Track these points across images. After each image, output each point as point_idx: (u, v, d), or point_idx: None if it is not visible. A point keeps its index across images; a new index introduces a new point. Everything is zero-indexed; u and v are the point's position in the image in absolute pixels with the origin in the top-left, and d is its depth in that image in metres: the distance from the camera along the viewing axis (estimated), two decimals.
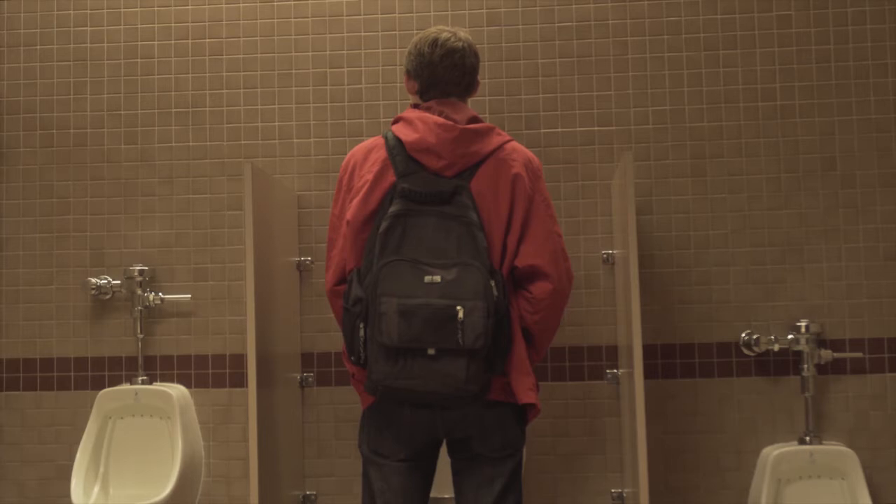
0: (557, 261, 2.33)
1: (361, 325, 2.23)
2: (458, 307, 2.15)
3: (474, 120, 2.36)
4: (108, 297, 3.19)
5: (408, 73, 2.45)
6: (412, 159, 2.30)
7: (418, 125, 2.32)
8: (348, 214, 2.33)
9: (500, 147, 2.34)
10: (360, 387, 2.37)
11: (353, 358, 2.27)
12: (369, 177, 2.32)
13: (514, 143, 2.39)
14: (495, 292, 2.20)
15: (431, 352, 2.16)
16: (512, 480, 2.35)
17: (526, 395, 2.28)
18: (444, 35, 2.39)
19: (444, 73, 2.39)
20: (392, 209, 2.25)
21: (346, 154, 3.15)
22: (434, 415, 2.28)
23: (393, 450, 2.32)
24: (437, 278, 2.18)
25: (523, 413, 2.35)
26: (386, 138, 2.37)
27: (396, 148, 2.33)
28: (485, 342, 2.16)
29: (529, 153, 2.40)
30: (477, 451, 2.32)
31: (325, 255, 2.50)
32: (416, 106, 2.42)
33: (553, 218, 2.37)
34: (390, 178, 2.30)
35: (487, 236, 2.26)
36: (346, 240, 2.33)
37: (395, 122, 2.40)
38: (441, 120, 2.31)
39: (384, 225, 2.24)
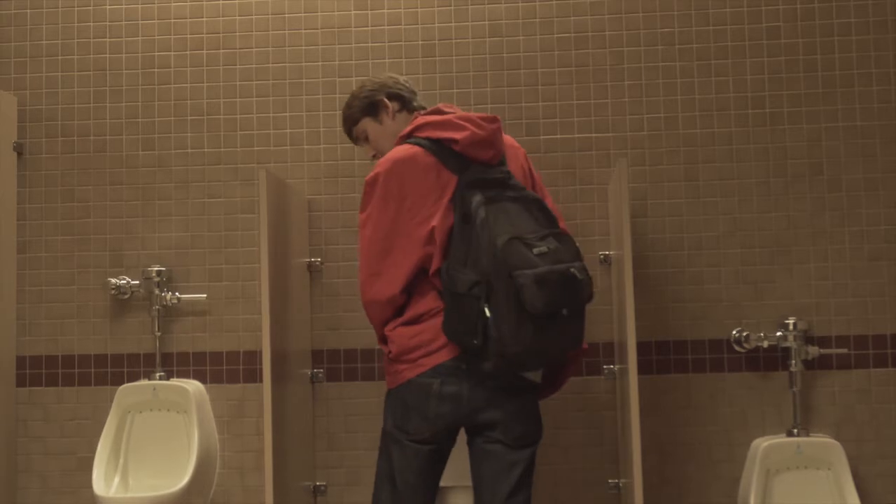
0: None
1: (486, 306, 2.28)
2: (572, 269, 2.31)
3: None
4: (126, 296, 3.28)
5: (382, 102, 2.63)
6: (460, 156, 2.43)
7: (462, 123, 2.44)
8: (435, 222, 2.39)
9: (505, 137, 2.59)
10: (393, 366, 2.44)
11: (476, 341, 2.28)
12: (428, 184, 2.41)
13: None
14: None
15: (565, 312, 2.30)
16: (528, 469, 2.43)
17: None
18: (365, 82, 2.71)
19: (408, 88, 2.67)
20: (476, 199, 2.36)
21: (354, 159, 3.30)
22: (462, 395, 2.36)
23: (418, 427, 2.40)
24: (544, 248, 2.32)
25: (538, 402, 2.48)
26: (422, 145, 2.45)
27: (441, 150, 2.43)
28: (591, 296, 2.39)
29: None
30: (498, 436, 2.40)
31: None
32: (423, 112, 2.56)
33: None
34: (448, 177, 2.41)
35: None
36: (418, 249, 2.40)
37: (418, 129, 2.48)
38: (481, 114, 2.49)
39: (480, 214, 2.33)
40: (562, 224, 2.47)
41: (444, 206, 2.41)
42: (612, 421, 3.18)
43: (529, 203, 2.41)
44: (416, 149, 2.45)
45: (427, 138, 2.45)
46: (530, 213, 2.39)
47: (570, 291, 2.30)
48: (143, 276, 3.27)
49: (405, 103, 2.64)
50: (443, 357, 2.38)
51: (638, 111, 3.24)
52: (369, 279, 2.45)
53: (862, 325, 3.14)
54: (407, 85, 2.68)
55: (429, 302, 2.42)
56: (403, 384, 2.43)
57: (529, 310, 2.24)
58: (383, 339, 2.50)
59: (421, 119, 2.50)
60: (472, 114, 2.49)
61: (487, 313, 2.27)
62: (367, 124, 2.66)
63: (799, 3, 3.22)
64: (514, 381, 2.39)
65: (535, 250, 2.30)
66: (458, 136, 2.42)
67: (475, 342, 2.29)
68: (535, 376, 2.43)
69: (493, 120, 2.48)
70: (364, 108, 2.65)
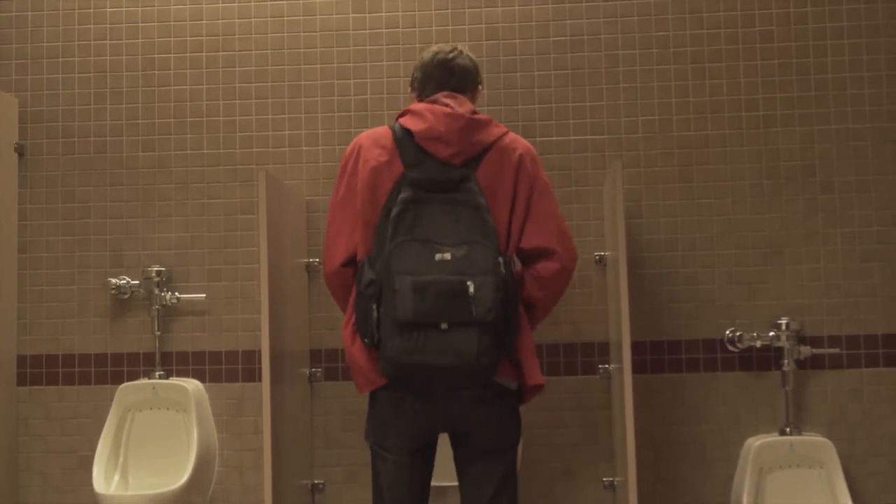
0: (563, 240, 2.45)
1: (375, 306, 2.28)
2: (469, 282, 2.22)
3: (474, 113, 2.46)
4: (126, 296, 3.31)
5: (411, 85, 2.59)
6: (420, 149, 2.39)
7: (427, 115, 2.41)
8: (359, 207, 2.41)
9: (501, 137, 2.45)
10: (357, 379, 2.44)
11: (366, 340, 2.32)
12: (375, 164, 2.40)
13: (514, 134, 2.50)
14: (503, 269, 2.28)
15: (444, 326, 2.21)
16: (510, 470, 2.45)
17: (537, 377, 2.39)
18: (440, 45, 2.57)
19: (433, 72, 2.51)
20: (402, 196, 2.34)
21: None
22: (435, 409, 2.37)
23: (396, 443, 2.41)
24: (448, 256, 2.25)
25: (517, 405, 2.47)
26: (393, 130, 2.45)
27: (404, 138, 2.41)
28: (495, 315, 2.22)
29: (528, 143, 2.52)
30: (477, 444, 2.42)
31: None
32: (420, 100, 2.53)
33: (555, 201, 2.49)
34: (398, 167, 2.39)
35: (494, 220, 2.35)
36: (357, 229, 2.41)
37: (402, 115, 2.48)
38: (448, 110, 2.41)
39: (395, 210, 2.32)
40: (505, 242, 2.37)
41: (380, 196, 2.39)
42: (607, 420, 3.21)
43: (471, 209, 2.33)
44: (386, 132, 2.46)
45: (401, 125, 2.45)
46: (462, 218, 2.32)
47: (453, 305, 2.21)
48: (143, 276, 3.30)
49: (418, 95, 2.57)
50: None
51: (633, 113, 3.27)
52: (326, 251, 2.51)
53: (854, 325, 3.17)
54: (448, 64, 2.53)
55: None
56: (376, 399, 2.44)
57: (399, 317, 2.22)
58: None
59: (412, 105, 2.50)
60: (446, 109, 2.42)
61: (375, 313, 2.29)
62: None
63: (792, 7, 3.25)
64: (486, 389, 2.37)
65: (437, 256, 2.25)
66: (416, 127, 2.40)
67: (366, 341, 2.33)
68: (510, 382, 2.42)
69: (461, 119, 2.40)
70: None
